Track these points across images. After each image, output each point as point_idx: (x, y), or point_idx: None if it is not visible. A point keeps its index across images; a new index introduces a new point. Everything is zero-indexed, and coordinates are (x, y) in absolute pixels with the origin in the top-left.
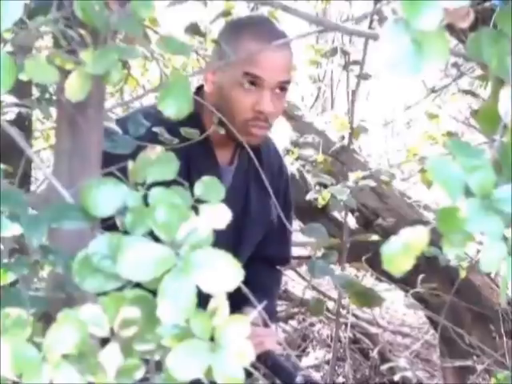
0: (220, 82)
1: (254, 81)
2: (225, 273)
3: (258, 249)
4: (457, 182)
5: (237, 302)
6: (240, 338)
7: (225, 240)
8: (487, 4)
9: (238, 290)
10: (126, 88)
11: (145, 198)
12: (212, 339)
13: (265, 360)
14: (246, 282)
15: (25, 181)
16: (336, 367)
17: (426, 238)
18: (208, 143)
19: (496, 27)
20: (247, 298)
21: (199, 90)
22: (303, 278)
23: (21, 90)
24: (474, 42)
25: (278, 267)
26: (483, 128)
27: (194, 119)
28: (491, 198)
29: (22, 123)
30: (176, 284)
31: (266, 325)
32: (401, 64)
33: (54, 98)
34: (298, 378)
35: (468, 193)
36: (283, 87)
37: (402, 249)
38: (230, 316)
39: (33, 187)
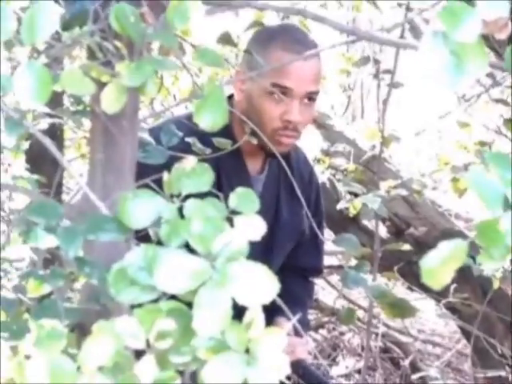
0: (249, 91)
1: (283, 91)
2: (260, 285)
3: (289, 259)
4: (496, 193)
5: (269, 313)
6: (276, 351)
7: (255, 249)
8: None
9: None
10: (157, 97)
11: (180, 209)
12: (248, 352)
13: (296, 369)
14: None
15: (58, 191)
16: (367, 376)
17: (465, 251)
18: (238, 153)
19: None
20: (280, 309)
21: (229, 98)
22: (334, 287)
23: (53, 99)
24: None
25: (310, 278)
26: None
27: (225, 129)
28: None
29: (54, 133)
30: (212, 296)
31: (297, 334)
32: (440, 76)
33: (88, 108)
34: None
35: (506, 205)
36: (312, 97)
37: (442, 262)
38: (266, 328)
39: (64, 196)
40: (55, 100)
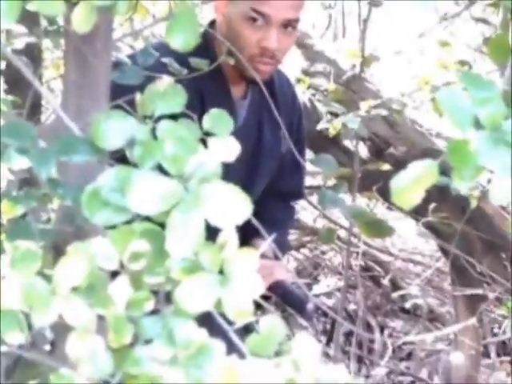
0: (229, 14)
1: (261, 17)
2: (233, 206)
3: (271, 183)
4: (467, 114)
5: (248, 236)
6: (249, 271)
7: (237, 174)
8: None
9: (250, 223)
10: (136, 17)
11: (153, 131)
12: (221, 272)
13: (276, 289)
14: (258, 216)
15: (35, 111)
16: (347, 294)
17: (436, 171)
18: (222, 78)
19: None
20: (258, 231)
21: (213, 22)
22: (314, 206)
23: (29, 19)
24: None
25: (291, 202)
26: (494, 58)
27: (208, 52)
28: (501, 131)
29: (32, 52)
30: (184, 217)
31: (276, 257)
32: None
33: (62, 29)
34: (309, 305)
35: (478, 125)
36: (291, 25)
37: (412, 182)
38: (239, 249)
39: (44, 117)
40: (32, 19)
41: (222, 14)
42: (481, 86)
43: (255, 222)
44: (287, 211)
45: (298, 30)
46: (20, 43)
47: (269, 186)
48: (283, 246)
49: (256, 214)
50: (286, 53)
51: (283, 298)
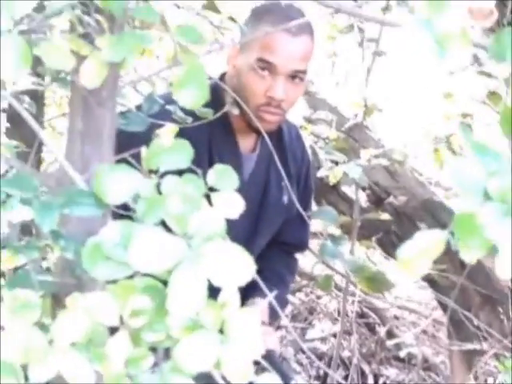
0: (239, 66)
1: (268, 67)
2: (236, 266)
3: (275, 235)
4: (476, 186)
5: (247, 289)
6: (250, 331)
7: (241, 227)
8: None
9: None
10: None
11: (158, 186)
12: (222, 331)
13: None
14: (260, 268)
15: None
16: (342, 340)
17: (443, 243)
18: (231, 131)
19: None
20: (258, 286)
21: (224, 75)
22: (313, 252)
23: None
24: (497, 42)
25: (294, 254)
26: (503, 129)
27: (217, 104)
28: (510, 204)
29: (35, 90)
30: (187, 276)
31: (272, 314)
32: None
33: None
34: (293, 382)
35: (486, 197)
36: (298, 76)
37: (419, 253)
38: (241, 308)
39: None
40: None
41: (232, 65)
42: (491, 157)
43: (258, 280)
44: (289, 264)
45: (305, 81)
46: (24, 85)
47: (273, 237)
48: (282, 302)
49: (258, 266)
50: (293, 104)
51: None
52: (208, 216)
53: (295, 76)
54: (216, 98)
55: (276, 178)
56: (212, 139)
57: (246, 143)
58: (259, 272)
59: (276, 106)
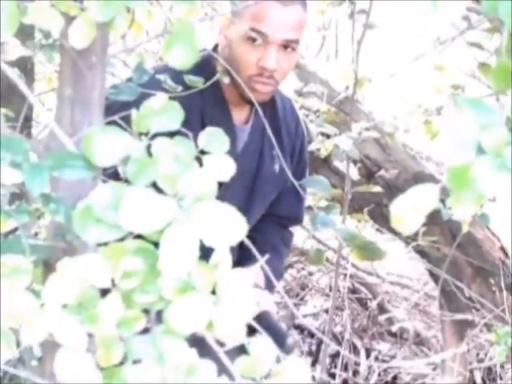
0: (231, 36)
1: (260, 37)
2: (228, 226)
3: (270, 208)
4: (469, 139)
5: (243, 260)
6: (242, 292)
7: (235, 198)
8: None
9: (245, 247)
10: (130, 33)
11: (148, 148)
12: (214, 292)
13: (260, 320)
14: (254, 240)
15: (26, 125)
16: (334, 316)
17: (436, 197)
18: (224, 103)
19: None
20: (253, 256)
21: (217, 47)
22: (304, 227)
23: (23, 31)
24: None
25: (289, 227)
26: (495, 85)
27: (210, 75)
28: (504, 157)
29: (24, 65)
30: (178, 236)
31: (268, 284)
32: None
33: (57, 42)
34: (289, 341)
35: (479, 150)
36: (290, 46)
37: (411, 208)
38: (233, 270)
39: (34, 130)
40: (26, 32)
41: (224, 35)
42: (483, 112)
43: (250, 246)
44: (284, 237)
45: (298, 51)
46: (13, 55)
47: (268, 210)
48: (277, 273)
49: (252, 238)
50: (286, 74)
51: (266, 330)
52: (199, 177)
53: (287, 46)
54: (209, 68)
55: (269, 150)
56: (205, 110)
57: (239, 114)
58: (253, 242)
59: (268, 77)
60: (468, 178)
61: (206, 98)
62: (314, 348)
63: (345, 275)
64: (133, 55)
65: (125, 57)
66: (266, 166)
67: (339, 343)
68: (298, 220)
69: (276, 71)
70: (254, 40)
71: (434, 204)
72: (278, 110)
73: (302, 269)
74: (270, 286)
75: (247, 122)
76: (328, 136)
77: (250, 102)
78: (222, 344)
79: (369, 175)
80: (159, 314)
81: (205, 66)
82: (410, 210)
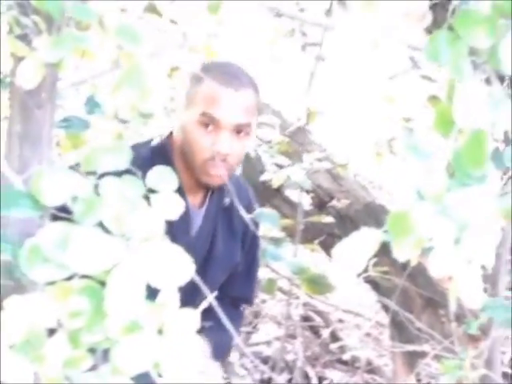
0: (184, 122)
1: (212, 121)
2: (175, 267)
3: (221, 288)
4: (409, 186)
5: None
6: (189, 332)
7: (188, 281)
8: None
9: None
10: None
11: (97, 188)
12: (160, 333)
13: None
14: (204, 317)
15: None
16: (286, 344)
17: (378, 241)
18: (180, 188)
19: (452, 29)
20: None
21: (172, 134)
22: None
23: None
24: (432, 43)
25: (239, 307)
26: (438, 130)
27: (166, 161)
28: (443, 202)
29: None
30: (125, 277)
31: (217, 353)
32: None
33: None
34: None
35: (420, 197)
36: (244, 130)
37: (354, 252)
38: (180, 310)
39: None
40: None
41: (178, 119)
42: (424, 157)
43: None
44: (235, 315)
45: (251, 135)
46: None
47: (219, 290)
48: (225, 347)
49: (203, 317)
50: (240, 158)
51: None
52: (147, 217)
53: (240, 130)
54: (165, 153)
55: (223, 233)
56: None
57: (194, 199)
58: (204, 320)
59: (222, 161)
60: (408, 224)
61: None
62: (265, 376)
63: (298, 303)
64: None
65: (77, 87)
66: (218, 251)
67: (291, 371)
68: (248, 301)
69: (229, 155)
70: (206, 125)
71: (376, 247)
72: (232, 194)
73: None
74: (217, 357)
75: (202, 205)
76: (281, 166)
77: (204, 187)
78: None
79: (321, 205)
80: (106, 352)
81: (162, 150)
82: (353, 253)
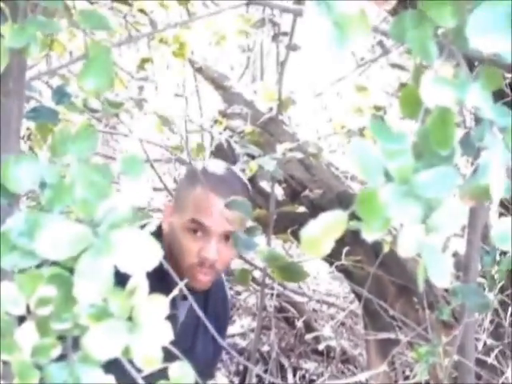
0: (173, 223)
1: (201, 228)
2: (143, 252)
3: None
4: (376, 166)
5: None
6: (158, 318)
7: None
8: None
9: None
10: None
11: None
12: (130, 319)
13: None
14: None
15: None
16: (261, 336)
17: (345, 221)
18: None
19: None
20: None
21: (160, 227)
22: None
23: None
24: (397, 24)
25: None
26: (404, 112)
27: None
28: (410, 183)
29: None
30: (93, 263)
31: None
32: (325, 46)
33: None
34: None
35: (388, 177)
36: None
37: (321, 233)
38: (149, 295)
39: None
40: None
41: (167, 223)
42: (391, 138)
43: None
44: None
45: None
46: None
47: None
48: None
49: None
50: (226, 264)
51: None
52: (115, 203)
53: (228, 237)
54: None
55: (202, 333)
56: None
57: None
58: None
59: (209, 266)
60: (376, 205)
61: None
62: (241, 368)
63: (272, 294)
64: (56, 77)
65: (48, 78)
66: (197, 349)
67: (266, 362)
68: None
69: (217, 261)
70: (195, 230)
71: (343, 228)
72: (211, 289)
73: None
74: None
75: (185, 298)
76: (253, 157)
77: (189, 289)
78: (139, 369)
79: (293, 195)
80: (75, 340)
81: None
82: (319, 234)
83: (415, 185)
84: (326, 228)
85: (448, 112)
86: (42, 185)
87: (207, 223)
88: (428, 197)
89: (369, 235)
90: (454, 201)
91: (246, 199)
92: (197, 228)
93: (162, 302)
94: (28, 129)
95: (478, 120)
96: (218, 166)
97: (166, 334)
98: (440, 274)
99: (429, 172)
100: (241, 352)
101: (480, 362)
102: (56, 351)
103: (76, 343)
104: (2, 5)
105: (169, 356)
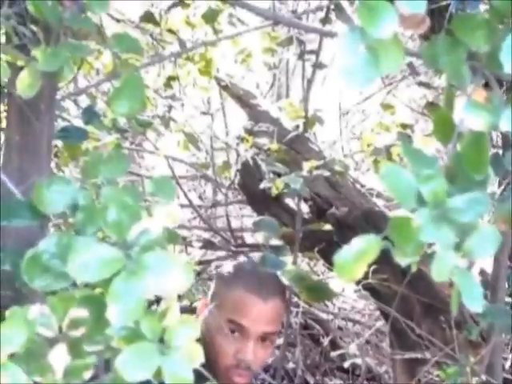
0: (208, 320)
1: (238, 329)
2: (175, 275)
3: None
4: (409, 190)
5: None
6: (190, 340)
7: None
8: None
9: None
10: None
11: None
12: (162, 341)
13: None
14: None
15: None
16: (286, 353)
17: (378, 247)
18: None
19: (450, 34)
20: None
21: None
22: None
23: None
24: (430, 49)
25: None
26: (438, 136)
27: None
28: (444, 208)
29: None
30: (126, 286)
31: None
32: (355, 74)
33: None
34: None
35: (421, 202)
36: (269, 338)
37: (354, 257)
38: (180, 318)
39: None
40: None
41: (202, 318)
42: (422, 161)
43: None
44: None
45: (275, 341)
46: None
47: None
48: None
49: None
50: (262, 363)
51: None
52: (147, 225)
53: (265, 338)
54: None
55: None
56: None
57: None
58: None
59: (245, 368)
60: (409, 230)
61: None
62: None
63: (297, 312)
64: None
65: (75, 97)
66: None
67: (291, 380)
68: None
69: (254, 363)
70: (232, 330)
71: (376, 253)
72: None
73: None
74: None
75: None
76: (279, 175)
77: None
78: None
79: (319, 213)
80: (107, 362)
81: None
82: (352, 260)
83: (449, 209)
84: (359, 253)
85: (482, 136)
86: (72, 206)
87: (245, 325)
88: (461, 221)
89: (402, 260)
90: (487, 225)
91: (284, 303)
92: (234, 329)
93: (193, 324)
94: (55, 146)
95: (506, 141)
96: (253, 266)
97: (198, 357)
98: (474, 298)
99: (462, 197)
100: (266, 369)
101: (508, 382)
102: (88, 373)
103: (108, 365)
104: (36, 29)
105: (199, 379)
